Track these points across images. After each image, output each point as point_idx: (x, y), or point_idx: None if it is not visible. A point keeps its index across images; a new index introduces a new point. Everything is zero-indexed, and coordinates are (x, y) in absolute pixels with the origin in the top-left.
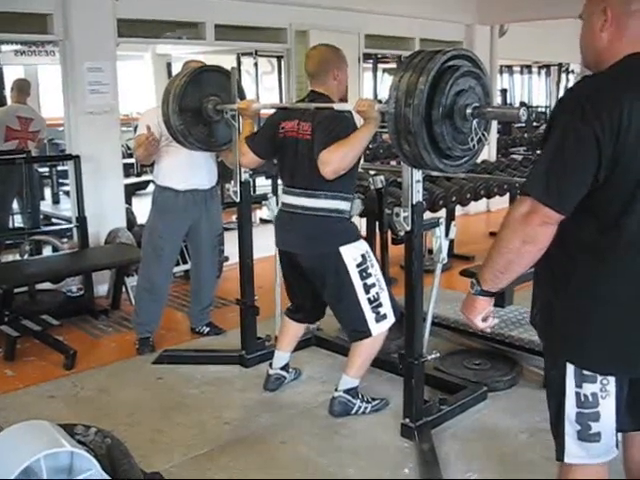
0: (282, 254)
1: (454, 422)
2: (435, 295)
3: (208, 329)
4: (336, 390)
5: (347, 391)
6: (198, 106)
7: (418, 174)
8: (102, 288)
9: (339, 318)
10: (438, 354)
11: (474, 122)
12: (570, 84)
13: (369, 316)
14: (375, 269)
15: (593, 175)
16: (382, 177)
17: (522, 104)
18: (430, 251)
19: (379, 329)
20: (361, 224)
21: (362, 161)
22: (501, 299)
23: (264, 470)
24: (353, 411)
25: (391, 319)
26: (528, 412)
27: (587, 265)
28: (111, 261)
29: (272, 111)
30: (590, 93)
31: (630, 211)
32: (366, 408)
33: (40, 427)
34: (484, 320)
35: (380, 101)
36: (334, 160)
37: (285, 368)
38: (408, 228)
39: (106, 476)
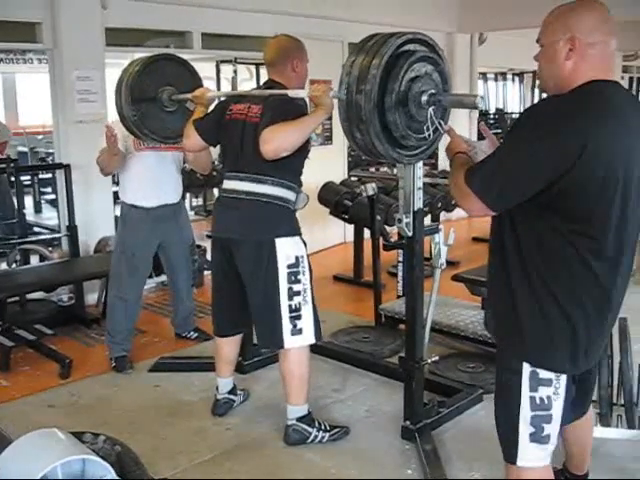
0: (217, 244)
1: (452, 424)
2: (434, 300)
3: (196, 334)
4: (288, 419)
5: (300, 419)
6: (153, 96)
7: (420, 181)
8: (92, 297)
9: (255, 319)
10: (437, 357)
11: (430, 110)
12: None
13: (285, 325)
14: (306, 278)
15: (538, 187)
16: (374, 184)
17: (498, 110)
18: (427, 258)
19: (292, 343)
20: (345, 230)
21: (310, 152)
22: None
23: (268, 474)
24: (309, 440)
25: (309, 338)
26: None
27: (546, 268)
28: (103, 269)
29: None
30: (554, 115)
31: (589, 217)
32: (323, 437)
33: (52, 435)
34: None
35: None
36: (275, 138)
37: (233, 392)
38: (410, 234)
39: None
